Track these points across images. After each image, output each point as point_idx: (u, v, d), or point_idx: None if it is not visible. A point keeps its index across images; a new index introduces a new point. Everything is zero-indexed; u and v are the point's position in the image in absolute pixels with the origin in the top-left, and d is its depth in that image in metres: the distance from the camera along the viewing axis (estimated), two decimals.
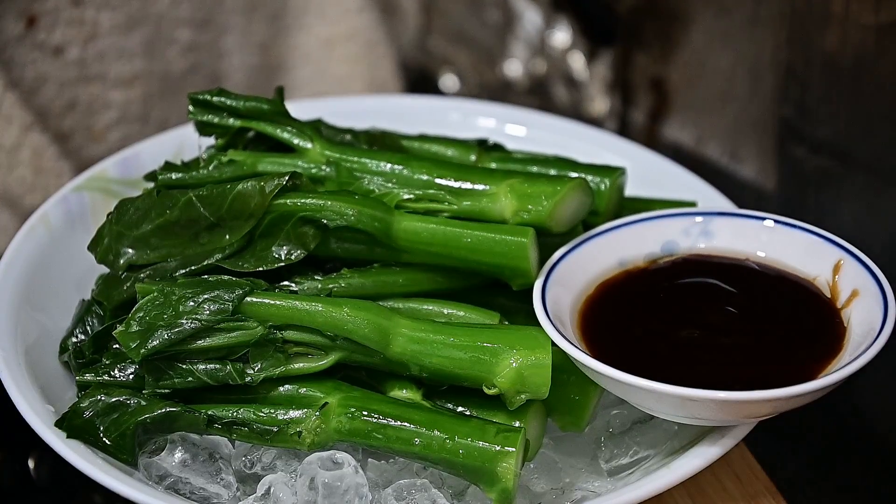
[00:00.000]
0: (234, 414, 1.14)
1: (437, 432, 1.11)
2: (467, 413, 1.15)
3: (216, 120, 1.28)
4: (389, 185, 1.23)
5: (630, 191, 1.34)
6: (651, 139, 1.86)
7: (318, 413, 1.12)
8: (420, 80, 2.06)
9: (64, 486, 1.34)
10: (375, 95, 1.84)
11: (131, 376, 1.16)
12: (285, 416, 1.13)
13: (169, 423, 1.13)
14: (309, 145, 1.27)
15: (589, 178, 1.26)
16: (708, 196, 1.39)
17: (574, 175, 1.25)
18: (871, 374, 1.12)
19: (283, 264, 1.19)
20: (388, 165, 1.24)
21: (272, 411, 1.14)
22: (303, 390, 1.15)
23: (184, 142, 1.44)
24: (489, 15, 2.01)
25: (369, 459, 1.16)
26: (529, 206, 1.19)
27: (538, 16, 1.95)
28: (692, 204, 1.34)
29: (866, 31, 1.45)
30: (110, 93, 1.72)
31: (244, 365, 1.14)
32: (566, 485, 1.18)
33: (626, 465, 1.19)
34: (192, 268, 1.20)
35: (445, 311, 1.21)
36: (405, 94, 1.94)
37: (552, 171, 1.28)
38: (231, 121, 1.28)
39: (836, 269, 1.18)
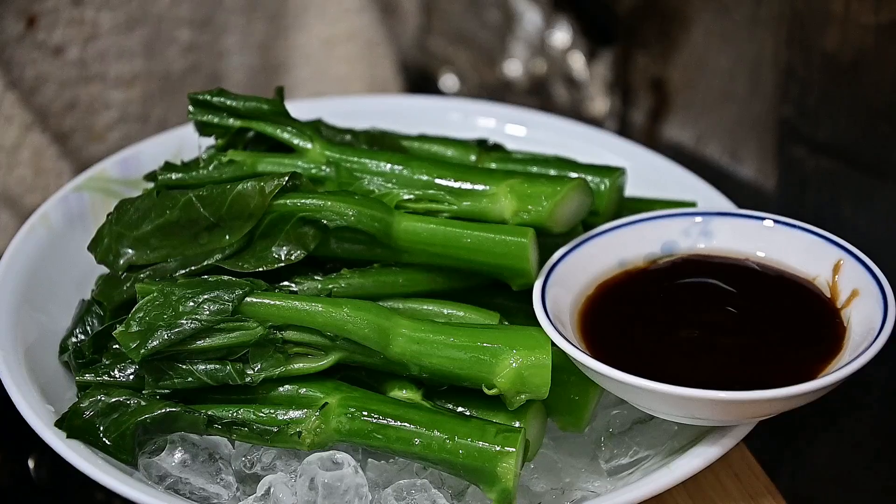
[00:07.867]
0: (234, 414, 1.14)
1: (437, 432, 1.11)
2: (467, 413, 1.15)
3: (216, 120, 1.28)
4: (389, 185, 1.23)
5: (630, 191, 1.34)
6: (651, 139, 1.85)
7: (318, 413, 1.12)
8: (420, 80, 2.06)
9: (64, 486, 1.34)
10: (375, 95, 1.84)
11: (131, 376, 1.16)
12: (285, 417, 1.13)
13: (169, 423, 1.13)
14: (309, 145, 1.27)
15: (589, 178, 1.26)
16: (708, 196, 1.39)
17: (574, 175, 1.25)
18: (871, 374, 1.12)
19: (283, 264, 1.19)
20: (388, 165, 1.24)
21: (272, 411, 1.14)
22: (303, 390, 1.15)
23: (184, 142, 1.44)
24: (489, 15, 2.01)
25: (369, 459, 1.16)
26: (529, 207, 1.19)
27: (538, 16, 1.95)
28: (692, 204, 1.34)
29: (866, 31, 1.45)
30: (110, 93, 1.72)
31: (244, 365, 1.14)
32: (566, 485, 1.18)
33: (626, 465, 1.19)
34: (192, 268, 1.20)
35: (445, 312, 1.21)
36: (405, 94, 1.93)
37: (552, 172, 1.28)
38: (231, 121, 1.28)
39: (836, 268, 1.18)
